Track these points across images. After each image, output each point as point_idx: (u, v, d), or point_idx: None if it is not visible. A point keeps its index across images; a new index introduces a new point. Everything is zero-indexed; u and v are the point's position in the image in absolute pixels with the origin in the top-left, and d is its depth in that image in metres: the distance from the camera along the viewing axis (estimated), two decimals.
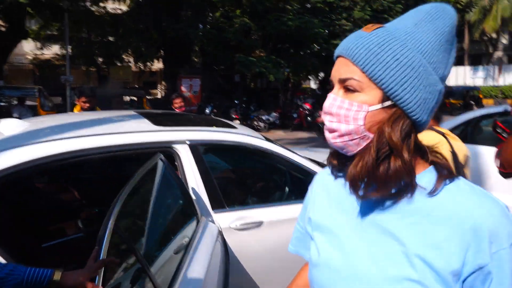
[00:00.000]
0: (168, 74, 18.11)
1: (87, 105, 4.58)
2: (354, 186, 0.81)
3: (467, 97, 22.70)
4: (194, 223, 2.11)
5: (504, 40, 39.64)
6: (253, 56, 16.74)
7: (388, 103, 0.78)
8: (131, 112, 3.02)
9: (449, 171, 0.81)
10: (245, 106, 15.93)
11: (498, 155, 1.88)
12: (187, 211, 2.17)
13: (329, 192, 0.95)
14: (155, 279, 1.55)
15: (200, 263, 1.82)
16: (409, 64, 0.77)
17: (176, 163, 2.41)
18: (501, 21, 34.51)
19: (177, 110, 5.65)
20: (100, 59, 18.85)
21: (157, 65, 22.48)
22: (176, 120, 3.03)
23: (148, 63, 19.97)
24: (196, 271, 1.76)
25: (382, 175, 0.78)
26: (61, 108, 12.77)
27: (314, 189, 1.01)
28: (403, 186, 0.79)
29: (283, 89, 20.40)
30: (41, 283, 1.30)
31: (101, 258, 1.30)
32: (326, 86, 20.82)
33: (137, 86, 22.76)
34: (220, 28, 15.84)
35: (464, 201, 0.77)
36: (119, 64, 19.73)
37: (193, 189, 2.35)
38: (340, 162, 0.89)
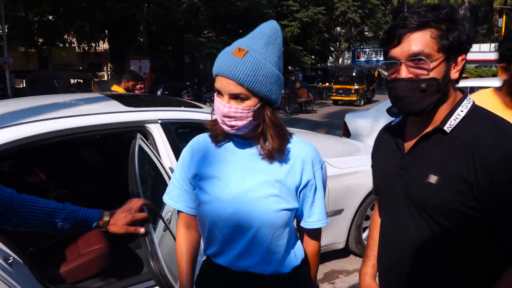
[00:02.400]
0: (114, 56, 17.57)
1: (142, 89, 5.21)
2: (270, 155, 1.30)
3: None
4: None
5: None
6: (202, 36, 16.64)
7: (262, 101, 1.25)
8: (98, 95, 3.11)
9: (289, 133, 1.35)
10: (197, 88, 15.90)
11: None
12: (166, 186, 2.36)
13: (208, 152, 1.39)
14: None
15: None
16: (271, 77, 1.23)
17: (149, 142, 2.58)
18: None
19: (137, 92, 5.69)
20: (41, 40, 17.84)
21: (102, 46, 21.63)
22: (145, 101, 3.17)
23: (93, 44, 19.19)
24: None
25: (282, 146, 1.31)
26: (4, 92, 12.10)
27: (194, 154, 1.41)
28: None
29: None
30: (89, 224, 1.41)
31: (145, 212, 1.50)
32: None
33: (80, 68, 21.83)
34: (168, 8, 15.55)
35: (298, 145, 1.36)
36: (61, 45, 18.78)
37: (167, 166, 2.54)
38: (225, 132, 1.34)
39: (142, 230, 1.47)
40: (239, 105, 1.22)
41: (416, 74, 1.13)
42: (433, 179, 1.14)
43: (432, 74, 1.12)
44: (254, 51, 1.22)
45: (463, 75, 1.20)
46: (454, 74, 1.16)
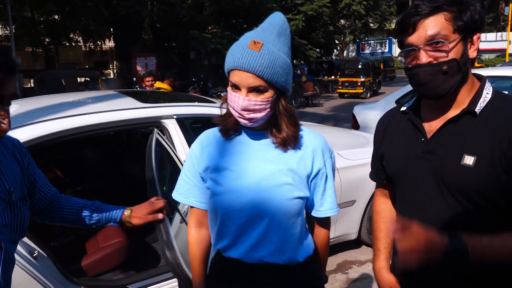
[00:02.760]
0: (120, 53, 17.63)
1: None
2: (284, 143, 1.32)
3: None
4: None
5: None
6: (207, 32, 16.63)
7: (278, 92, 1.28)
8: (113, 92, 3.17)
9: (300, 124, 1.37)
10: (203, 84, 15.93)
11: None
12: None
13: (219, 145, 1.40)
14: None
15: None
16: (286, 67, 1.26)
17: (165, 136, 2.63)
18: None
19: (147, 88, 5.78)
20: (47, 40, 17.95)
21: (108, 44, 21.73)
22: (159, 97, 3.22)
23: (99, 43, 19.27)
24: None
25: (297, 133, 1.34)
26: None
27: (204, 148, 1.42)
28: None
29: None
30: (115, 219, 1.56)
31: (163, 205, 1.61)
32: None
33: (87, 67, 21.96)
34: (172, 4, 15.56)
35: (308, 136, 1.38)
36: (67, 44, 18.89)
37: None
38: (235, 126, 1.36)
39: (160, 215, 1.58)
40: (258, 98, 1.24)
41: (436, 57, 1.15)
42: (469, 160, 1.15)
43: (451, 55, 1.15)
44: (269, 43, 1.24)
45: (479, 65, 1.22)
46: (472, 53, 1.20)
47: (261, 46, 1.22)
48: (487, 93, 1.21)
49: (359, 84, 18.07)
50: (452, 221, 1.20)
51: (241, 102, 1.24)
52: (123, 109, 2.49)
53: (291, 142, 1.32)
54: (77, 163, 3.76)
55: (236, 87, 1.26)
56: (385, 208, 1.52)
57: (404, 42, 1.21)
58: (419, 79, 1.19)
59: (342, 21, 25.56)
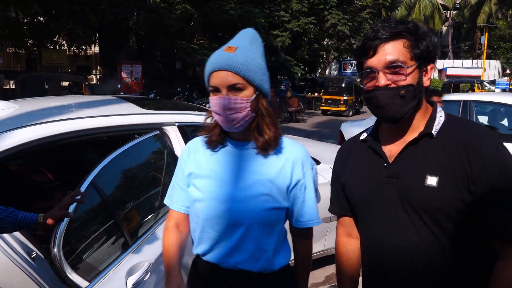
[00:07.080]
0: (105, 60, 17.50)
1: None
2: (265, 147, 1.36)
3: None
4: None
5: None
6: (193, 43, 16.71)
7: (257, 92, 1.33)
8: (112, 97, 3.18)
9: (281, 133, 1.41)
10: (188, 94, 15.95)
11: None
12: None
13: (205, 153, 1.44)
14: (126, 232, 1.95)
15: None
16: (261, 67, 1.33)
17: (166, 143, 2.65)
18: (423, 19, 37.35)
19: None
20: (30, 41, 17.67)
21: (93, 49, 21.53)
22: (159, 104, 3.25)
23: (84, 47, 19.09)
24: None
25: (278, 134, 1.38)
26: None
27: (190, 153, 1.47)
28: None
29: None
30: (30, 224, 1.60)
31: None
32: None
33: (69, 71, 21.66)
34: (161, 14, 15.61)
35: (289, 147, 1.41)
36: (51, 47, 18.62)
37: None
38: (220, 138, 1.41)
39: (71, 213, 1.63)
40: (238, 96, 1.29)
41: (394, 80, 1.20)
42: (432, 180, 1.17)
43: (408, 80, 1.19)
44: (243, 47, 1.32)
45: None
46: (426, 82, 1.26)
47: (236, 49, 1.31)
48: (440, 116, 1.26)
49: (342, 102, 18.41)
50: (421, 244, 1.21)
51: (222, 101, 1.28)
52: (125, 114, 2.50)
53: (272, 143, 1.35)
54: (69, 167, 3.72)
55: (216, 90, 1.31)
56: (348, 250, 1.47)
57: (364, 65, 1.25)
58: (377, 102, 1.22)
59: (326, 40, 26.05)
